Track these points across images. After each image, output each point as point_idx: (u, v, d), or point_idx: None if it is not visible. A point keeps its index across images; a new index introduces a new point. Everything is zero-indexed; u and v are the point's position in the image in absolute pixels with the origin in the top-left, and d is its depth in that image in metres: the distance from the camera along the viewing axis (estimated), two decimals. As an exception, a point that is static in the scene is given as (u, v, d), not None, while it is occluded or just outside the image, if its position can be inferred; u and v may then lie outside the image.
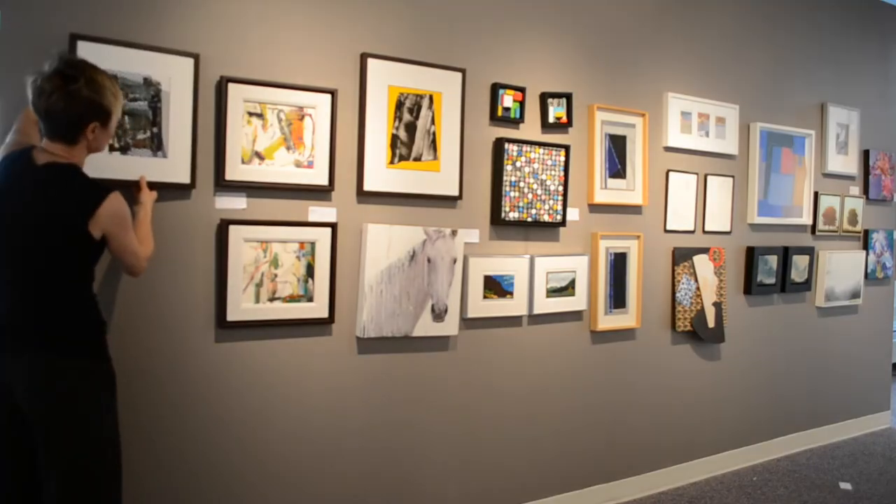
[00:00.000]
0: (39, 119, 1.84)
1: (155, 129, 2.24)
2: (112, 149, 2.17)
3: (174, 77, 2.26)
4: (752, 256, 3.98)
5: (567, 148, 3.14)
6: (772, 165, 4.06)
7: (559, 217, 3.15)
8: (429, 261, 2.78)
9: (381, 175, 2.69)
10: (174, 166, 2.27)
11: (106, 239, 1.87)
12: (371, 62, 2.65)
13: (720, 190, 3.82)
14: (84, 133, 1.85)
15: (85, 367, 1.86)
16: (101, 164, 2.14)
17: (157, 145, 2.24)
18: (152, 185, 2.23)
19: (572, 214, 3.24)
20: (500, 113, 2.97)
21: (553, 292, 3.17)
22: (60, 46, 2.03)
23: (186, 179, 2.30)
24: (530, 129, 3.10)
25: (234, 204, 2.41)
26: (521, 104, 3.03)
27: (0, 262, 1.83)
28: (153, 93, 2.23)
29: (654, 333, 3.60)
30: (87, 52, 2.11)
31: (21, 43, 2.07)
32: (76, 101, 1.80)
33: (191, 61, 2.28)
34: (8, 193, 1.84)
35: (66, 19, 2.11)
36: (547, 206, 3.11)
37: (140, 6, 2.23)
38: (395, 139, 2.71)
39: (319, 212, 2.57)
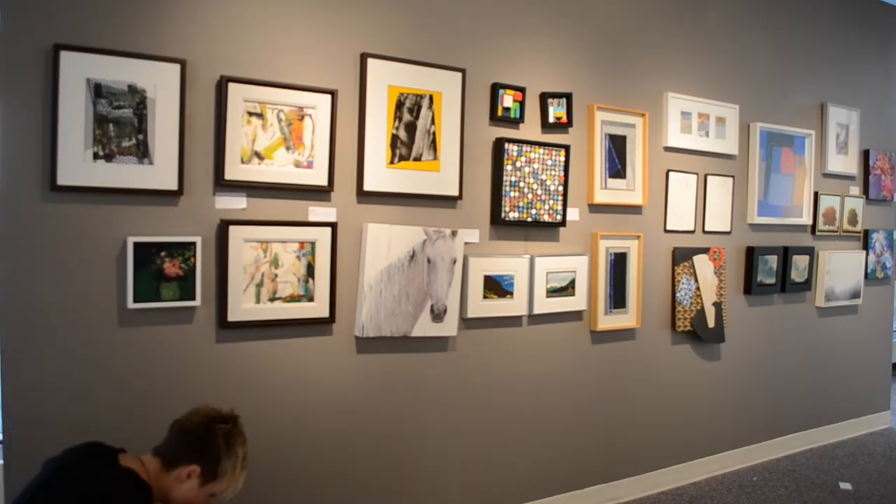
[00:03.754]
0: (168, 432, 1.84)
1: (140, 137, 2.24)
2: (97, 157, 2.17)
3: (160, 84, 2.25)
4: (752, 256, 3.98)
5: (567, 148, 3.14)
6: (772, 165, 4.06)
7: (559, 217, 3.15)
8: (428, 261, 2.78)
9: (381, 175, 2.69)
10: (161, 173, 2.27)
11: None
12: (371, 62, 2.65)
13: (720, 190, 3.82)
14: (184, 468, 1.79)
15: None
16: (86, 173, 2.15)
17: (142, 152, 2.24)
18: (138, 192, 2.23)
19: (572, 214, 3.24)
20: (500, 113, 2.97)
21: (553, 292, 3.17)
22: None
23: (174, 186, 2.29)
24: (530, 129, 3.10)
25: (234, 204, 2.41)
26: (521, 104, 3.03)
27: None
28: (138, 100, 2.23)
29: (654, 333, 3.60)
30: (71, 62, 2.12)
31: (9, 53, 2.08)
32: (208, 438, 1.79)
33: (177, 67, 2.27)
34: (64, 467, 1.72)
35: (50, 29, 2.11)
36: (547, 206, 3.11)
37: (126, 14, 2.22)
38: (395, 139, 2.71)
39: (319, 212, 2.58)
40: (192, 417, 1.86)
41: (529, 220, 3.06)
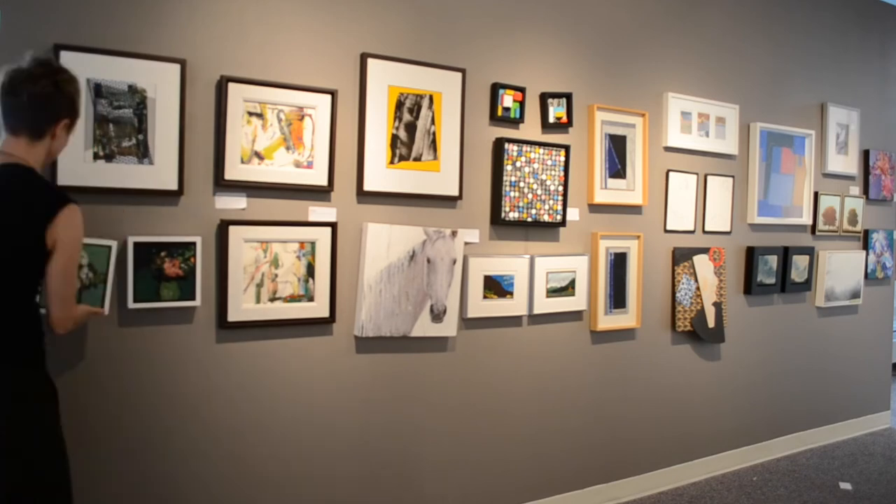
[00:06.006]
0: (10, 109, 1.76)
1: (140, 137, 2.23)
2: (97, 157, 2.17)
3: (160, 84, 2.25)
4: (752, 256, 3.98)
5: (567, 148, 3.14)
6: (772, 165, 4.06)
7: (559, 217, 3.15)
8: (428, 261, 2.78)
9: (381, 175, 2.69)
10: (161, 173, 2.26)
11: (51, 254, 1.76)
12: (371, 62, 2.65)
13: (720, 190, 3.82)
14: (55, 128, 1.82)
15: (36, 377, 1.81)
16: (86, 173, 2.15)
17: (143, 152, 2.24)
18: (138, 192, 2.23)
19: (572, 214, 3.24)
20: (500, 113, 2.97)
21: (553, 292, 3.17)
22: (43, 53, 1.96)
23: (174, 186, 2.29)
24: (530, 129, 3.10)
25: (234, 204, 2.41)
26: (521, 104, 3.02)
27: None
28: (138, 100, 2.22)
29: (654, 333, 3.60)
30: (71, 61, 2.11)
31: (9, 53, 2.08)
32: (62, 92, 1.80)
33: (177, 67, 2.27)
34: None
35: (50, 29, 2.11)
36: (547, 206, 3.11)
37: (126, 14, 2.22)
38: (395, 139, 2.71)
39: (319, 212, 2.57)
40: (29, 84, 1.74)
41: (529, 220, 3.06)
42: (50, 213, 1.75)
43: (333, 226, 2.58)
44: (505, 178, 2.97)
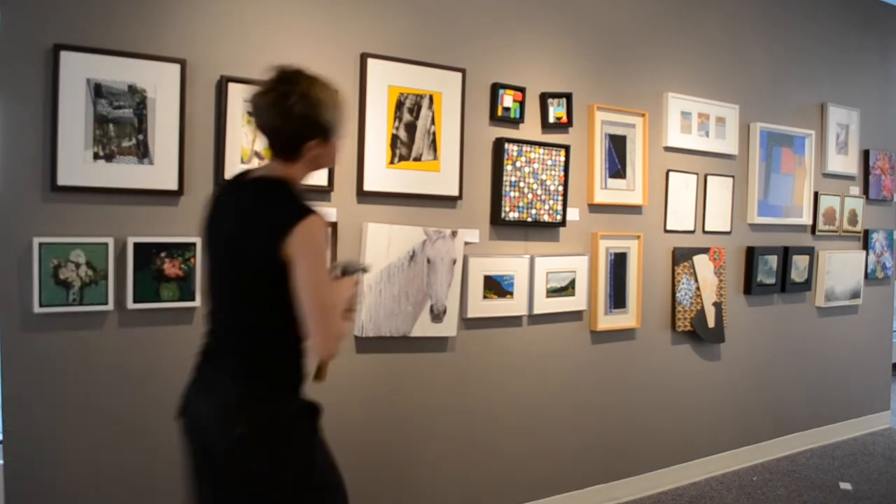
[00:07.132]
0: (260, 135, 1.75)
1: (140, 137, 2.24)
2: (97, 157, 2.17)
3: (160, 84, 2.25)
4: (752, 256, 3.98)
5: (567, 148, 3.14)
6: (772, 165, 4.06)
7: (559, 217, 3.15)
8: (428, 261, 2.78)
9: (381, 175, 2.68)
10: (161, 173, 2.27)
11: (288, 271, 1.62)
12: (371, 62, 2.65)
13: (720, 190, 3.82)
14: (304, 150, 1.69)
15: (288, 406, 1.78)
16: (86, 173, 2.15)
17: (143, 152, 2.24)
18: (138, 192, 2.24)
19: (572, 214, 3.24)
20: (500, 113, 2.97)
21: (553, 292, 3.17)
22: (278, 63, 1.79)
23: (174, 186, 2.29)
24: (530, 129, 3.10)
25: (234, 204, 2.41)
26: (521, 104, 3.02)
27: (213, 285, 1.75)
28: (138, 100, 2.23)
29: (654, 333, 3.60)
30: (71, 61, 2.12)
31: (9, 53, 2.08)
32: (291, 119, 1.65)
33: (177, 67, 2.27)
34: (217, 212, 1.78)
35: (50, 29, 2.11)
36: (547, 206, 3.11)
37: (126, 14, 2.22)
38: (395, 139, 2.71)
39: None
40: (270, 109, 1.67)
41: (529, 220, 3.05)
42: (285, 227, 1.61)
43: (333, 226, 2.58)
44: (505, 178, 2.97)
